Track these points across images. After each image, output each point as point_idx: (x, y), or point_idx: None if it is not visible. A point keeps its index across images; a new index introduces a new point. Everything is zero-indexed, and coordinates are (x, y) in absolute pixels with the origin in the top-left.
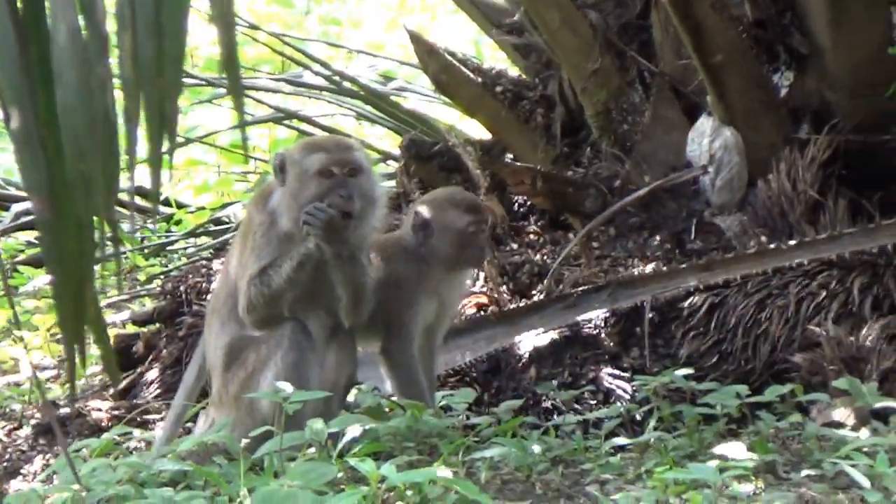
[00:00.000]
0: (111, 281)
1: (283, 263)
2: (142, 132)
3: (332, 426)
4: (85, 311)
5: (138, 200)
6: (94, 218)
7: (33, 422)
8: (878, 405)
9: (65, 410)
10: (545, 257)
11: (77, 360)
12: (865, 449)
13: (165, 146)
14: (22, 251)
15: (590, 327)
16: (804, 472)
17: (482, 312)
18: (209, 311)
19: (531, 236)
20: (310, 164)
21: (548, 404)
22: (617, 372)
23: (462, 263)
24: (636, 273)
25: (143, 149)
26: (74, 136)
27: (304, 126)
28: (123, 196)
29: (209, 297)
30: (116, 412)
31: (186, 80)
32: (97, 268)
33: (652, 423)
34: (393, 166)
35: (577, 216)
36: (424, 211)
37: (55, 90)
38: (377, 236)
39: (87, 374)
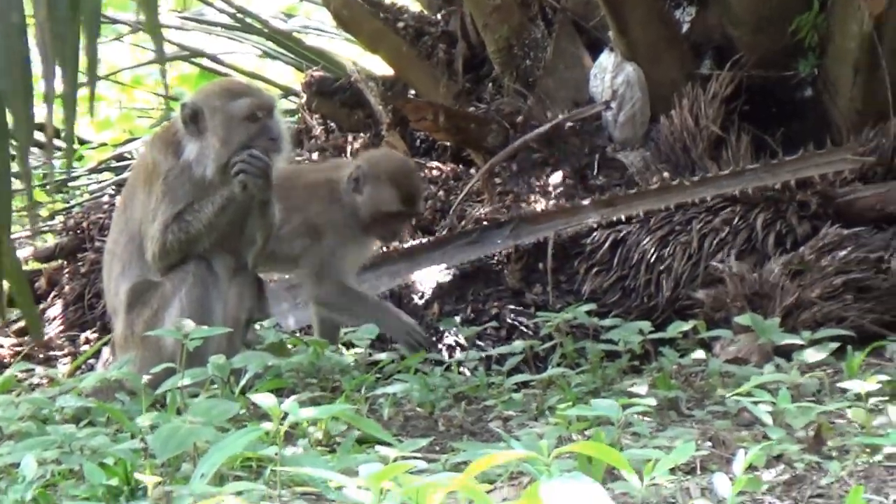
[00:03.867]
0: (13, 217)
1: (202, 208)
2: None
3: (234, 363)
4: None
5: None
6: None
7: None
8: (780, 341)
9: None
10: (448, 193)
11: None
12: (768, 385)
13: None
14: None
15: (492, 263)
16: (707, 409)
17: (384, 249)
18: (108, 255)
19: (433, 172)
20: (237, 110)
21: (450, 340)
22: (520, 308)
23: (371, 234)
24: (539, 209)
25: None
26: None
27: (207, 62)
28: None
29: (108, 236)
30: (18, 349)
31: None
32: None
33: (555, 359)
34: (295, 102)
35: (480, 152)
36: (365, 170)
37: None
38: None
39: None
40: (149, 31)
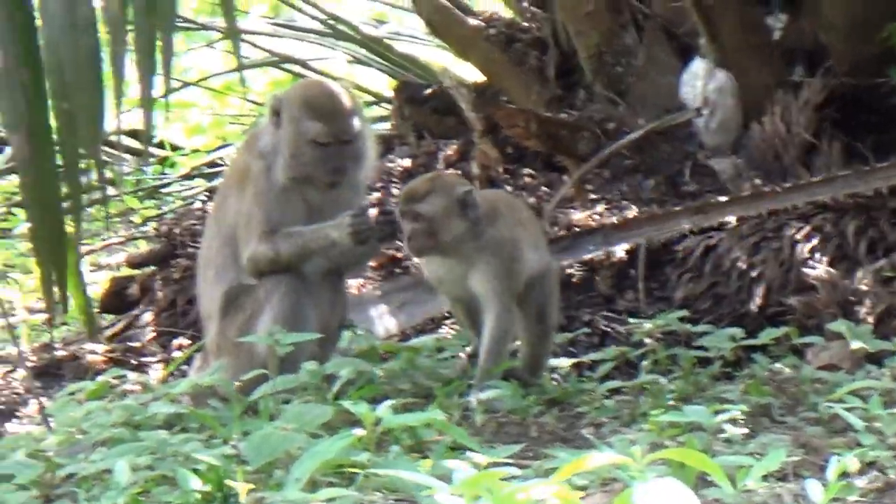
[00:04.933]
0: (102, 225)
1: (299, 241)
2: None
3: (327, 368)
4: (64, 251)
5: (131, 142)
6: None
7: (29, 364)
8: (872, 348)
9: (60, 353)
10: (540, 200)
11: (57, 301)
12: (860, 392)
13: (163, 87)
14: (16, 193)
15: (585, 270)
16: (799, 415)
17: None
18: (202, 259)
19: (525, 179)
20: (305, 131)
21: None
22: (612, 314)
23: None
24: (630, 216)
25: (137, 90)
26: (59, 74)
27: (299, 69)
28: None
29: (202, 241)
30: (111, 355)
31: (179, 24)
32: (92, 210)
33: (647, 365)
34: (387, 109)
35: (572, 159)
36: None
37: (37, 28)
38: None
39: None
40: (227, 35)
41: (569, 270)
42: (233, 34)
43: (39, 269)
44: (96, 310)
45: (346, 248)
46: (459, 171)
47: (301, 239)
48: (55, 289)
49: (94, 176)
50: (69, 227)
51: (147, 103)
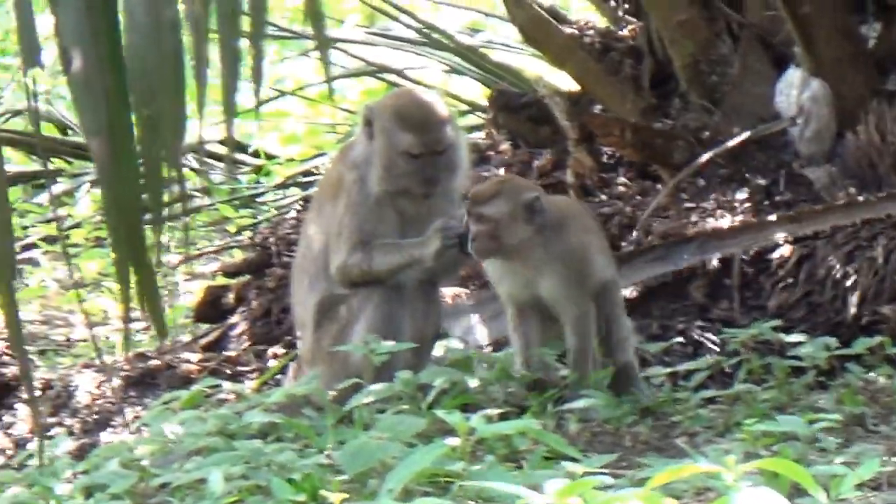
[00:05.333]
0: (201, 232)
1: (390, 253)
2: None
3: (421, 378)
4: (142, 255)
5: (220, 150)
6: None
7: (123, 374)
8: None
9: (154, 363)
10: (634, 208)
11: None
12: None
13: (254, 95)
14: None
15: (679, 279)
16: (893, 425)
17: None
18: (296, 269)
19: (620, 188)
20: (398, 142)
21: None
22: (706, 324)
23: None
24: (725, 225)
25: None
26: (142, 77)
27: (393, 78)
28: (214, 147)
29: (296, 250)
30: (206, 364)
31: (274, 32)
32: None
33: (741, 375)
34: (481, 118)
35: (666, 167)
36: None
37: (121, 31)
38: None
39: (177, 326)
40: (317, 43)
41: (663, 280)
42: (322, 44)
43: (117, 273)
44: (191, 319)
45: (436, 261)
46: (554, 181)
47: (392, 251)
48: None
49: (175, 182)
50: (149, 233)
51: (229, 110)
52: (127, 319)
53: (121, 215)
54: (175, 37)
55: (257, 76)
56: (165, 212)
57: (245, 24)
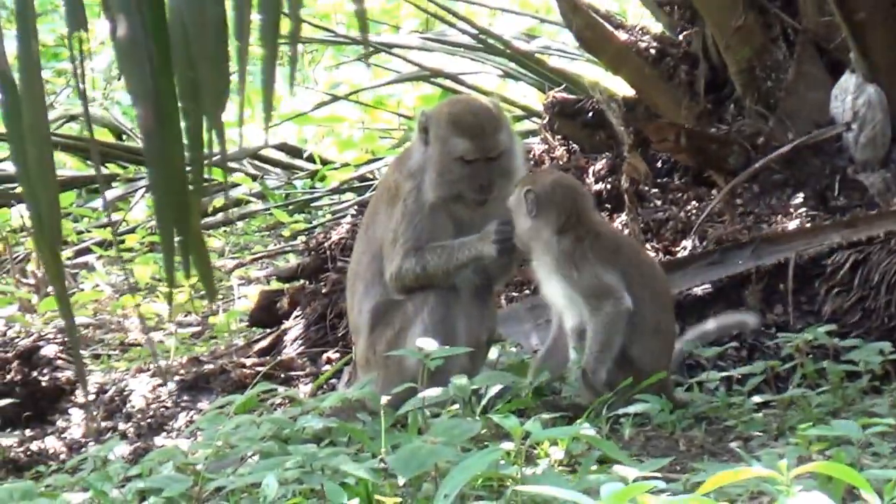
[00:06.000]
0: (255, 237)
1: (445, 253)
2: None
3: (475, 382)
4: (188, 220)
5: (280, 157)
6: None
7: (178, 378)
8: None
9: (208, 367)
10: (689, 214)
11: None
12: None
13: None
14: None
15: (733, 284)
16: None
17: None
18: (351, 274)
19: (675, 193)
20: (452, 148)
21: (691, 361)
22: (761, 329)
23: None
24: (780, 230)
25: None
26: (184, 43)
27: (449, 83)
28: (269, 153)
29: (351, 255)
30: (260, 368)
31: (329, 38)
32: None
33: (795, 379)
34: (537, 123)
35: (721, 173)
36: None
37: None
38: None
39: (232, 330)
40: (366, 51)
41: (718, 285)
42: (365, 46)
43: (161, 239)
44: (245, 323)
45: (491, 260)
46: (609, 186)
47: (447, 253)
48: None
49: (217, 147)
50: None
51: (268, 108)
52: (171, 284)
53: (166, 181)
54: (218, 5)
55: (292, 78)
56: (217, 217)
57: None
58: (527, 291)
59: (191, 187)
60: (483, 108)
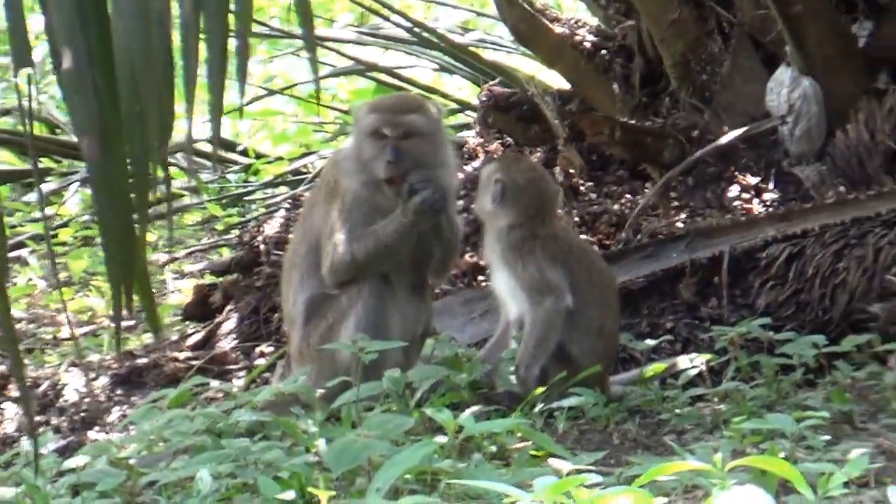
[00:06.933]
0: (188, 231)
1: (370, 238)
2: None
3: (410, 376)
4: (133, 257)
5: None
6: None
7: (111, 372)
8: None
9: (141, 361)
10: (623, 207)
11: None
12: None
13: (240, 93)
14: None
15: (668, 277)
16: (882, 422)
17: None
18: (288, 264)
19: (610, 186)
20: (364, 125)
21: (625, 355)
22: (695, 322)
23: None
24: (714, 223)
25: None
26: (130, 74)
27: (384, 77)
28: (203, 146)
29: (287, 247)
30: (194, 362)
31: (264, 32)
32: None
33: (730, 373)
34: (472, 117)
35: (656, 166)
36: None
37: (110, 29)
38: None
39: (166, 324)
40: (305, 43)
41: (652, 278)
42: (310, 44)
43: (108, 271)
44: (179, 317)
45: (414, 223)
46: None
47: (372, 236)
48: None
49: (162, 182)
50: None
51: (216, 109)
52: (119, 320)
53: (112, 214)
54: (164, 35)
55: (242, 73)
56: (151, 211)
57: (231, 21)
58: (461, 285)
59: (135, 217)
60: (406, 94)
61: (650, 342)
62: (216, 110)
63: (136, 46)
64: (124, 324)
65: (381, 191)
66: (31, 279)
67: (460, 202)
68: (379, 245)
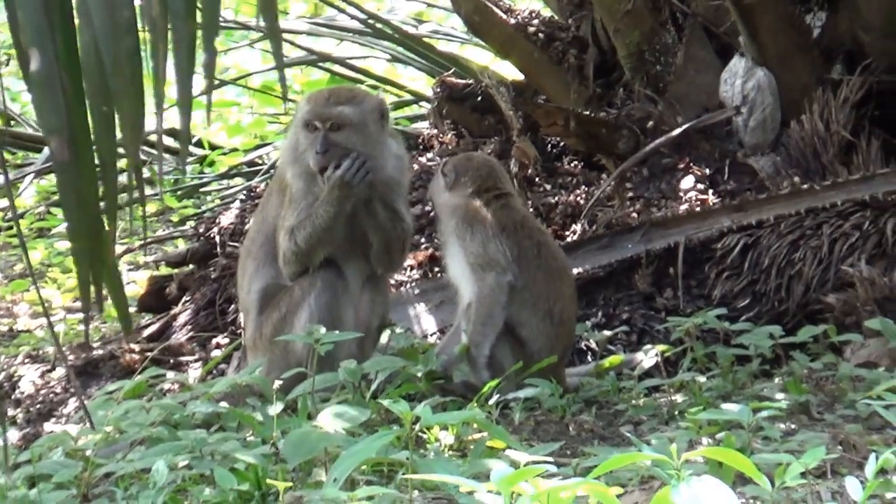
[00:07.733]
0: (140, 224)
1: (308, 223)
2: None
3: (365, 367)
4: (103, 255)
5: (170, 142)
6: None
7: (67, 364)
8: None
9: (98, 352)
10: (578, 198)
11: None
12: None
13: (204, 87)
14: (54, 193)
15: (623, 268)
16: (838, 413)
17: None
18: (243, 254)
19: (564, 177)
20: (299, 115)
21: (581, 345)
22: (651, 313)
23: None
24: (669, 214)
25: (174, 91)
26: (99, 76)
27: (338, 68)
28: (153, 137)
29: (243, 238)
30: (149, 354)
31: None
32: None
33: (686, 363)
34: (426, 108)
35: (611, 157)
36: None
37: (76, 31)
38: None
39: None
40: (268, 35)
41: (608, 269)
42: (274, 35)
43: (77, 269)
44: (134, 308)
45: (343, 198)
46: None
47: (309, 221)
48: (92, 288)
49: (132, 178)
50: (106, 228)
51: (185, 105)
52: (88, 318)
53: (80, 213)
54: (131, 36)
55: (210, 69)
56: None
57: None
58: (416, 275)
59: (104, 219)
60: (343, 86)
61: (606, 333)
62: (185, 109)
63: (105, 49)
64: (79, 315)
65: (316, 181)
66: None
67: (415, 193)
68: (315, 229)
